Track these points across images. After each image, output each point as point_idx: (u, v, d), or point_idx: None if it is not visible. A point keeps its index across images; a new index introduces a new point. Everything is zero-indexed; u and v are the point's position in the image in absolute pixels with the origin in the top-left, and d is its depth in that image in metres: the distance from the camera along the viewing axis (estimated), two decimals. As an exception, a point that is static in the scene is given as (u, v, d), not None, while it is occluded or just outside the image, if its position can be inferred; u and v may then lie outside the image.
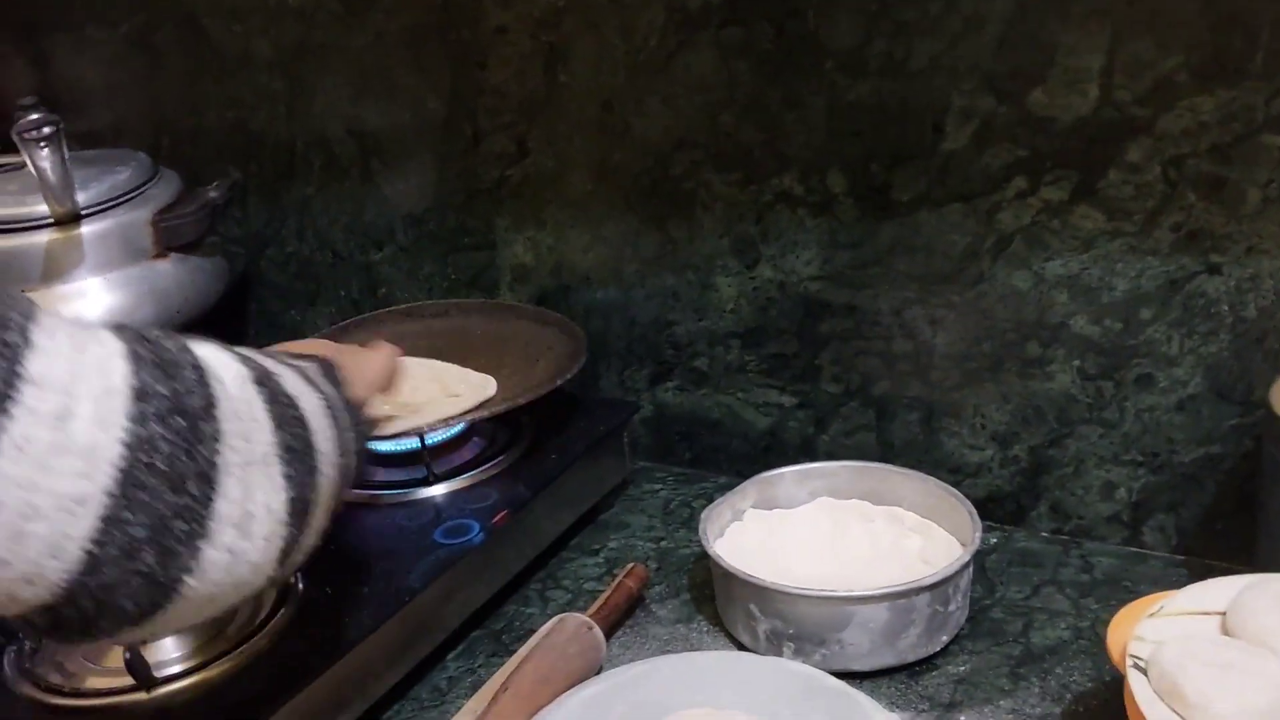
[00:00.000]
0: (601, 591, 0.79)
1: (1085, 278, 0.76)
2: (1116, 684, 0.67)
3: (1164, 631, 0.58)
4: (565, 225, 0.95)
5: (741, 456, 0.94)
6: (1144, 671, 0.55)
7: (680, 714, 0.65)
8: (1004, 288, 0.79)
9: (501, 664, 0.74)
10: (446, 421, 0.81)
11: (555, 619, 0.73)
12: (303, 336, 1.04)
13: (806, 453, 0.90)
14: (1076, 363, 0.78)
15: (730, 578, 0.73)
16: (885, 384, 0.86)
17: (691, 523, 0.89)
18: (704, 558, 0.84)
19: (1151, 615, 0.59)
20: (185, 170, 1.09)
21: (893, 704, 0.68)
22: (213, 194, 1.05)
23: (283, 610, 0.70)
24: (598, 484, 0.90)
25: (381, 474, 0.84)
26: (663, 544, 0.88)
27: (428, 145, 1.01)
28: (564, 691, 0.69)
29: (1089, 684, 0.68)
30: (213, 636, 0.68)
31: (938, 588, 0.69)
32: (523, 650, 0.71)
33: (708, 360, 0.93)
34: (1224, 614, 0.59)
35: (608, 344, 0.96)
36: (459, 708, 0.70)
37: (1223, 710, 0.52)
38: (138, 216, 1.01)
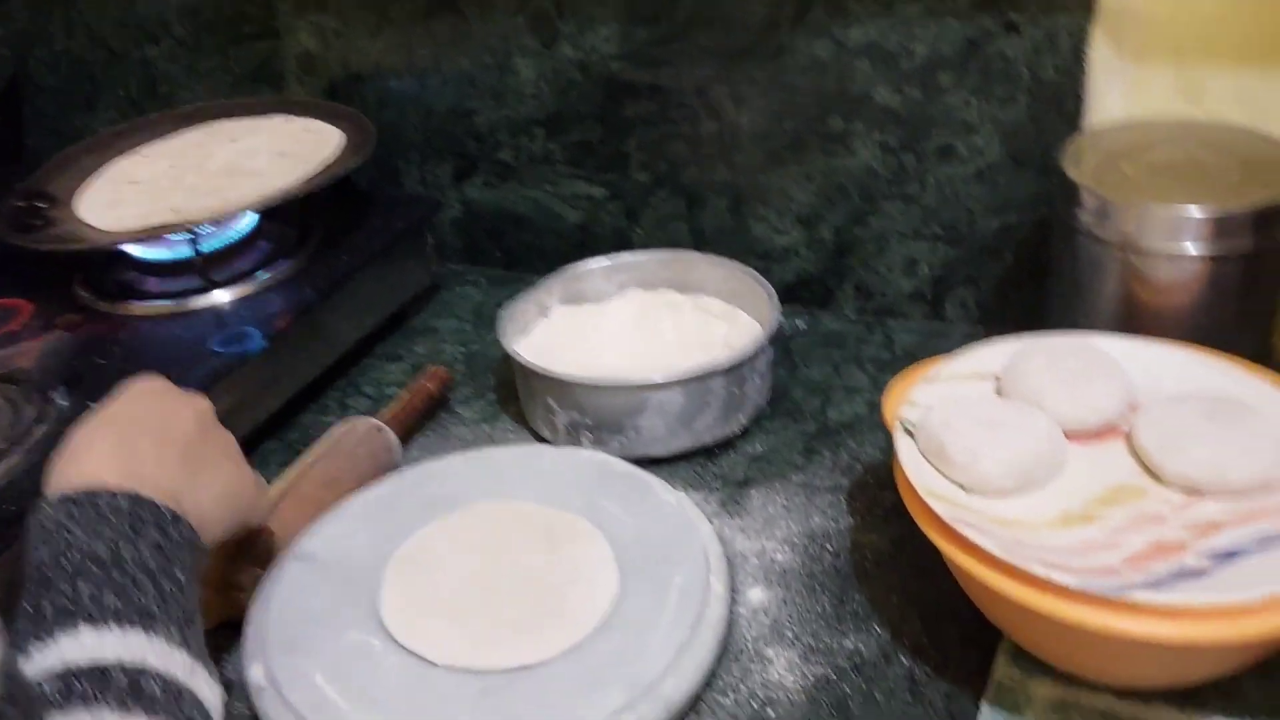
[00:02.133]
0: (406, 397, 0.76)
1: (885, 43, 0.73)
2: (906, 453, 0.68)
3: (937, 395, 0.57)
4: (350, 6, 0.87)
5: (554, 253, 0.90)
6: (910, 434, 0.55)
7: (469, 506, 0.63)
8: (805, 59, 0.75)
9: (295, 474, 0.71)
10: (216, 219, 0.75)
11: (343, 422, 0.70)
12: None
13: (621, 246, 0.87)
14: (878, 136, 0.76)
15: (528, 373, 0.71)
16: (693, 170, 0.82)
17: (503, 324, 0.86)
18: (510, 359, 0.82)
19: (926, 380, 0.59)
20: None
21: (688, 485, 0.68)
22: (-41, -17, 0.93)
23: (40, 425, 0.65)
24: (399, 287, 0.86)
25: (155, 284, 0.78)
26: (472, 347, 0.85)
27: (197, -78, 0.91)
28: (352, 493, 0.66)
29: (880, 455, 0.69)
30: (-42, 460, 0.62)
31: (733, 371, 0.68)
32: (307, 456, 0.68)
33: (512, 151, 0.88)
34: (999, 377, 0.59)
35: (405, 137, 0.90)
36: (249, 519, 0.67)
37: (987, 467, 0.52)
38: None
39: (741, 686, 0.55)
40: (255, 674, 0.54)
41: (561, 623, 0.55)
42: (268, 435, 0.76)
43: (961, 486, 0.52)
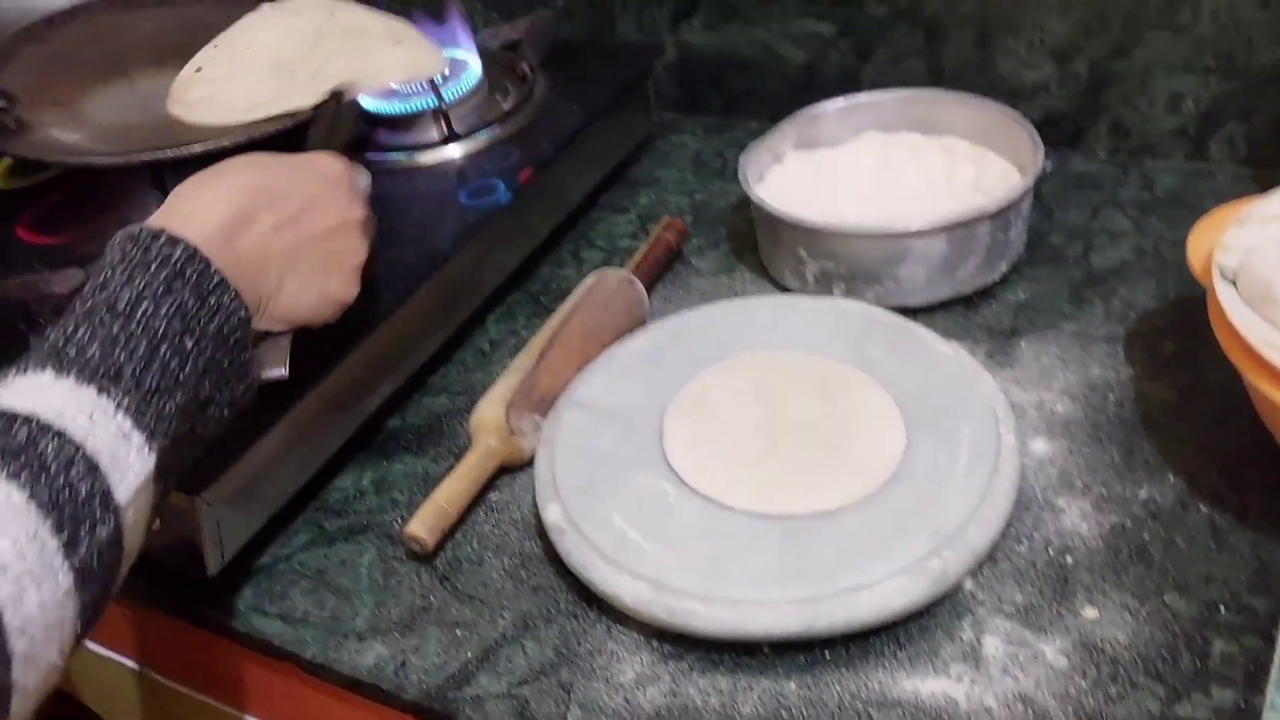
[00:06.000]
0: (637, 248, 0.76)
1: None
2: (1183, 301, 0.65)
3: (1252, 238, 0.54)
4: None
5: (776, 98, 0.87)
6: (1232, 282, 0.52)
7: (734, 358, 0.63)
8: (1075, -124, 0.70)
9: (541, 324, 0.71)
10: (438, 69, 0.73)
11: (595, 274, 0.71)
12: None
13: (848, 86, 0.84)
14: (1151, -40, 0.70)
15: (775, 221, 0.70)
16: (936, 1, 0.78)
17: (725, 173, 0.85)
18: (741, 207, 0.80)
19: (1238, 223, 0.55)
20: None
21: (951, 335, 0.66)
22: None
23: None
24: (623, 137, 0.85)
25: (387, 136, 0.78)
26: (697, 197, 0.84)
27: None
28: (611, 344, 0.67)
29: (1153, 303, 0.66)
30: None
31: (999, 215, 0.65)
32: (565, 307, 0.69)
33: (736, -11, 0.84)
34: (1318, 216, 0.55)
35: (622, -20, 0.88)
36: (503, 368, 0.69)
37: (1318, 310, 0.49)
38: None
39: (1035, 535, 0.54)
40: (553, 514, 0.56)
41: (854, 471, 0.55)
42: (512, 287, 0.77)
43: (1291, 333, 0.49)
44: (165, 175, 0.69)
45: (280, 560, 0.61)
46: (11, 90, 0.73)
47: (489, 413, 0.62)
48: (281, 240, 0.51)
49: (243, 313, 0.48)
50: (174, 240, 0.46)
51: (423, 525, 0.58)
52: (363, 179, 0.59)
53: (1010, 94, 0.79)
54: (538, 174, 0.74)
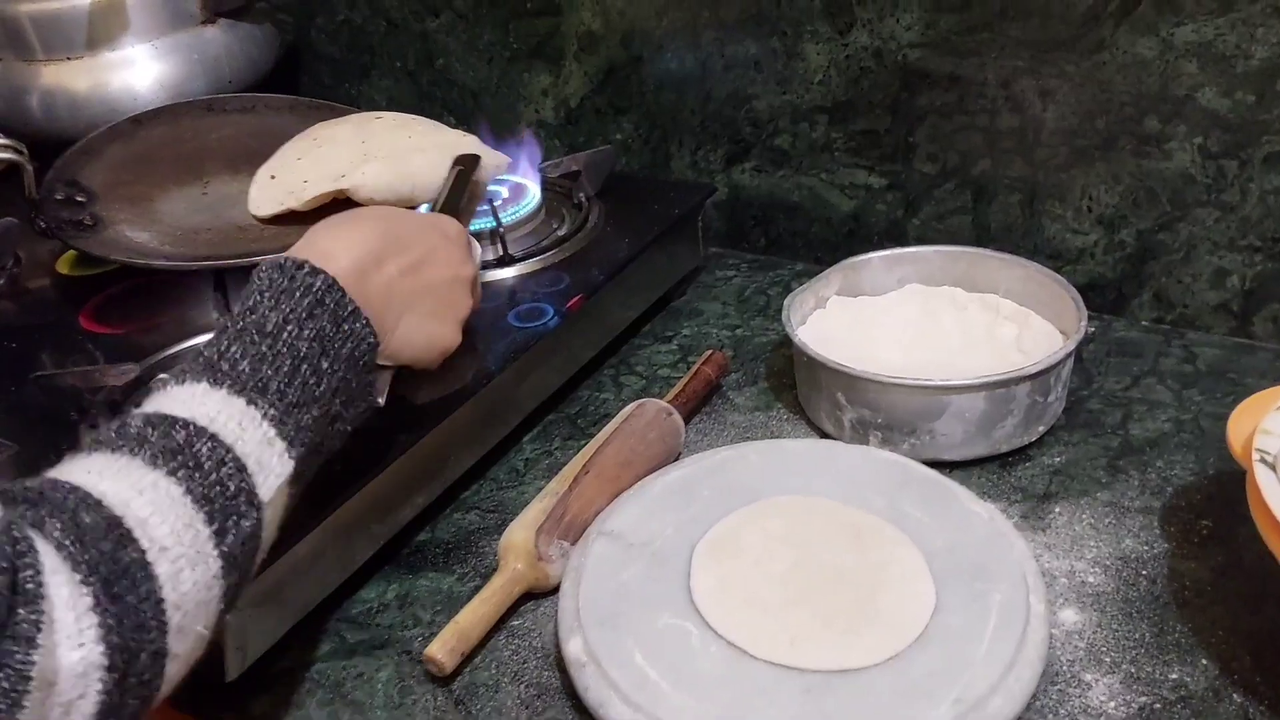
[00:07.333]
0: (676, 378, 0.77)
1: (1220, 44, 0.69)
2: (1221, 477, 0.65)
3: (1293, 425, 0.54)
4: (638, -13, 0.88)
5: (821, 242, 0.90)
6: (1272, 466, 0.52)
7: (769, 500, 0.64)
8: (1126, 56, 0.72)
9: (577, 447, 0.72)
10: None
11: (634, 404, 0.71)
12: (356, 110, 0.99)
13: (893, 238, 0.86)
14: (1199, 140, 0.72)
15: (816, 365, 0.70)
16: (986, 163, 0.80)
17: (767, 310, 0.86)
18: (782, 346, 0.81)
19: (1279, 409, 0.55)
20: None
21: (984, 494, 0.66)
22: (257, -47, 0.98)
23: (359, 392, 0.68)
24: (670, 269, 0.87)
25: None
26: (738, 332, 0.85)
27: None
28: (645, 475, 0.67)
29: (1191, 477, 0.66)
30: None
31: (1039, 377, 0.66)
32: (602, 434, 0.69)
33: (790, 138, 0.87)
34: (1356, 408, 0.55)
35: (681, 121, 0.91)
36: (536, 489, 0.69)
37: (1356, 507, 0.49)
38: (180, -22, 0.95)
39: (1060, 709, 0.53)
40: (574, 648, 0.56)
41: (881, 629, 0.55)
42: (550, 408, 0.78)
43: (1330, 527, 0.49)
44: (226, 280, 0.72)
45: (299, 668, 0.61)
46: (92, 187, 0.77)
47: (519, 536, 0.63)
48: (404, 284, 0.56)
49: (371, 339, 0.53)
50: (315, 271, 0.51)
51: (443, 648, 0.58)
52: (476, 247, 0.64)
53: (1055, 256, 0.80)
54: (586, 301, 0.76)
